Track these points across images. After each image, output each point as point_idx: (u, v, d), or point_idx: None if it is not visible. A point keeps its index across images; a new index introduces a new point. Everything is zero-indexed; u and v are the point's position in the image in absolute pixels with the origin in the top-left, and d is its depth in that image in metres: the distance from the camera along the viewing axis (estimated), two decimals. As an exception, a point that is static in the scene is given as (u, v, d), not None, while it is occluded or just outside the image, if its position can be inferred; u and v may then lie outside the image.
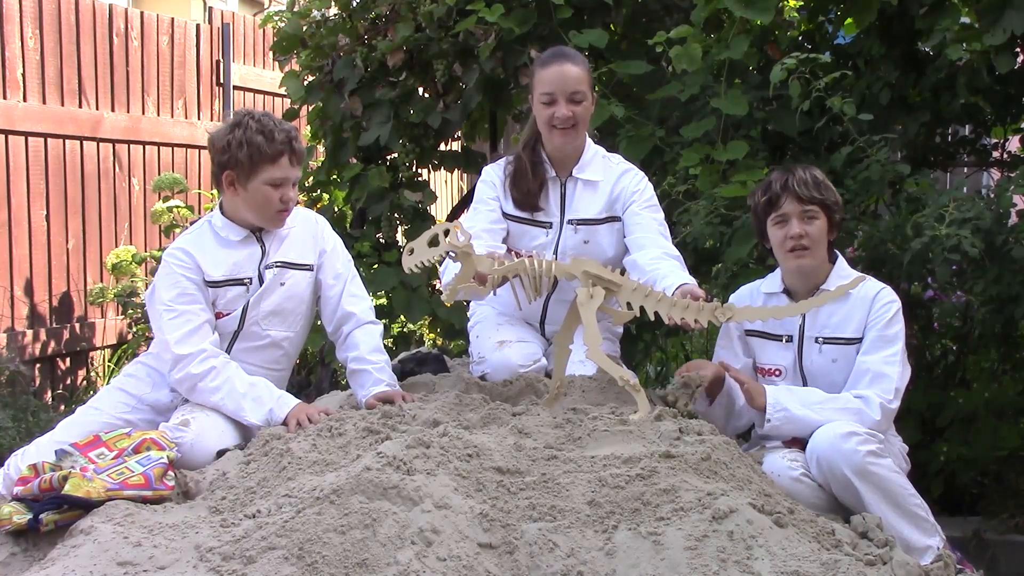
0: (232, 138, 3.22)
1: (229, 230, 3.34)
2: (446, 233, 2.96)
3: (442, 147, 5.17)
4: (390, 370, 3.42)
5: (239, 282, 3.31)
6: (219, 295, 3.30)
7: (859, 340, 3.14)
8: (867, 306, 3.14)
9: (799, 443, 3.09)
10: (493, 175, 3.62)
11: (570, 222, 3.52)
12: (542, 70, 3.44)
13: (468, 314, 3.82)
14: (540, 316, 3.61)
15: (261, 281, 3.33)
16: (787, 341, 3.23)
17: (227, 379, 3.19)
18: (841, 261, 3.25)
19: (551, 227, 3.54)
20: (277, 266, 3.34)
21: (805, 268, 3.19)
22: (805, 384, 3.20)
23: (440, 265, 3.17)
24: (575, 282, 3.08)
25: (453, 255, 3.00)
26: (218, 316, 3.31)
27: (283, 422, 3.14)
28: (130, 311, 5.49)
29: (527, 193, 3.53)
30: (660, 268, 3.30)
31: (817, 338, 3.18)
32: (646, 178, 3.61)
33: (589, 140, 3.62)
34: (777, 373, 3.25)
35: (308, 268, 3.41)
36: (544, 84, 3.42)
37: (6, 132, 5.23)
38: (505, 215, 3.57)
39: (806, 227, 3.14)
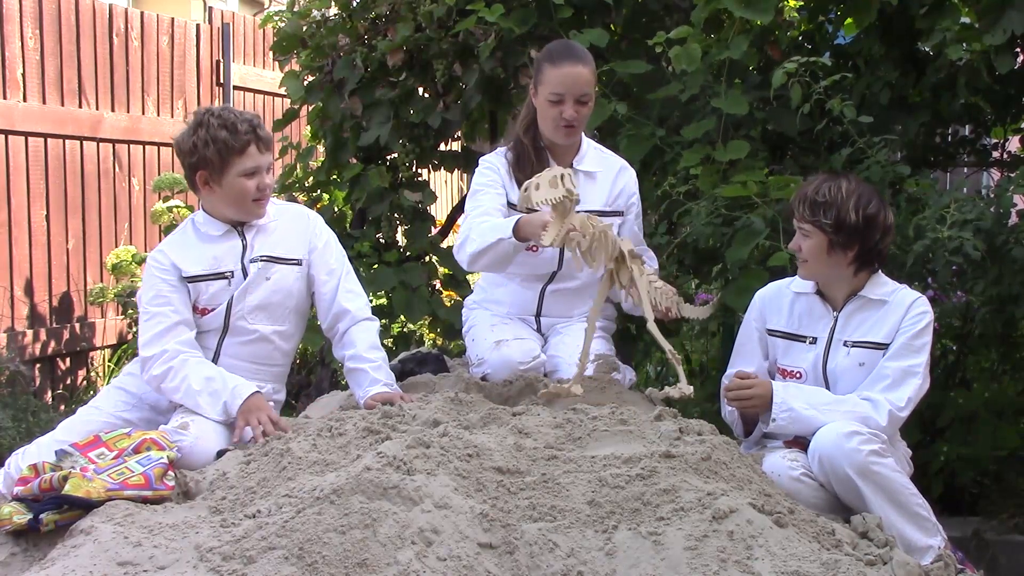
0: (197, 138, 3.25)
1: (210, 226, 3.36)
2: (562, 177, 2.96)
3: (442, 147, 5.17)
4: (388, 368, 3.40)
5: (220, 276, 3.31)
6: (200, 290, 3.30)
7: (888, 346, 3.12)
8: (901, 313, 3.12)
9: (799, 443, 3.09)
10: (495, 162, 3.59)
11: (578, 213, 3.53)
12: (552, 68, 3.42)
13: (463, 319, 3.80)
14: (536, 309, 3.60)
15: (245, 275, 3.32)
16: (811, 343, 3.21)
17: (184, 378, 3.19)
18: (879, 272, 3.20)
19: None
20: (262, 260, 3.33)
21: (806, 279, 3.22)
22: (828, 387, 3.18)
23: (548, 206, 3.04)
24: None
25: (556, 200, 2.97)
26: (204, 312, 3.31)
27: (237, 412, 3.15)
28: (130, 311, 5.49)
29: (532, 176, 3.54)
30: None
31: (846, 341, 3.16)
32: (635, 178, 3.69)
33: (583, 134, 3.64)
34: (798, 376, 3.23)
35: (296, 262, 3.39)
36: (554, 84, 3.41)
37: (6, 132, 5.23)
38: (511, 206, 3.54)
39: (800, 242, 3.17)
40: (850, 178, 3.20)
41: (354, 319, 3.41)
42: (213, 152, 3.23)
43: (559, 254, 3.51)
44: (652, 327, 3.15)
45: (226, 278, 3.31)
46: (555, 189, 2.91)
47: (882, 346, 3.12)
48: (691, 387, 3.14)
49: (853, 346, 3.15)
